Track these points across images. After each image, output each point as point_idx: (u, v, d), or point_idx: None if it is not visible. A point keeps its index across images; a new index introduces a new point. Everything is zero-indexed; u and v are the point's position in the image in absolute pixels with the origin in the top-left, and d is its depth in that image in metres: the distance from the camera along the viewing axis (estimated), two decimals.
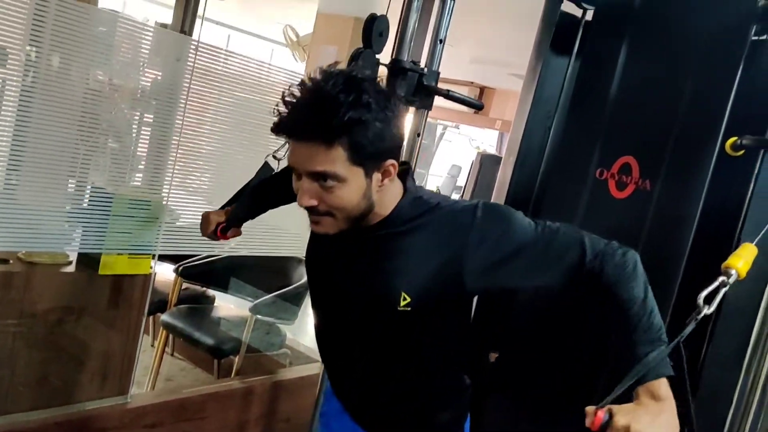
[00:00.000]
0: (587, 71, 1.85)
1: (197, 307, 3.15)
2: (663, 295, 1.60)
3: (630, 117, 1.73)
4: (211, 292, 3.30)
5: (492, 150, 10.39)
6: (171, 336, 3.09)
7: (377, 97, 1.04)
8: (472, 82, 9.00)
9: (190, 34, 2.26)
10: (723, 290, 0.96)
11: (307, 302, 3.04)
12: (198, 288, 3.27)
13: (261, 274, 2.99)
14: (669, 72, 1.67)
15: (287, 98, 1.05)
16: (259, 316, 2.81)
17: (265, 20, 7.54)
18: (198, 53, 2.12)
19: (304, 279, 2.93)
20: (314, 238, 1.30)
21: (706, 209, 1.54)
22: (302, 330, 3.21)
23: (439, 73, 1.78)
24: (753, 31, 1.58)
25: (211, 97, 2.34)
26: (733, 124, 1.49)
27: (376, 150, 1.06)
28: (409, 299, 1.13)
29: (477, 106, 2.03)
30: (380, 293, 1.17)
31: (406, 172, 1.20)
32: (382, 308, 1.17)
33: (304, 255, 1.35)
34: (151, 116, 2.20)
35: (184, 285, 3.16)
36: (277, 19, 6.93)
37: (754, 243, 1.48)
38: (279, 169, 1.69)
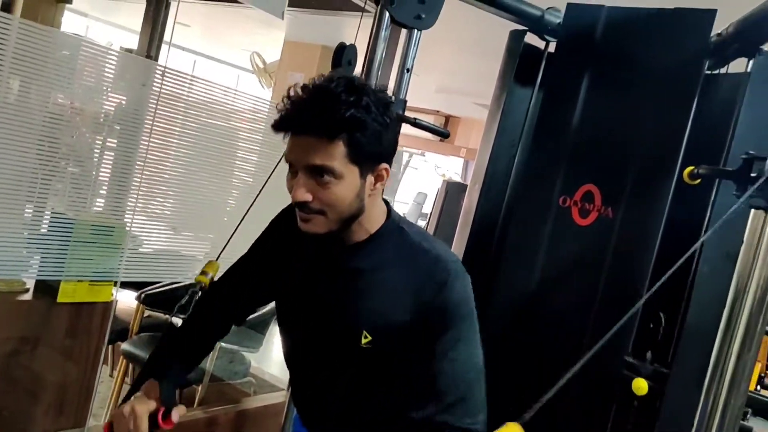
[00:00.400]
0: (550, 101, 1.90)
1: (159, 335, 3.07)
2: (620, 336, 1.63)
3: (592, 146, 1.77)
4: (174, 319, 3.22)
5: (457, 177, 10.50)
6: (131, 365, 3.01)
7: (377, 102, 1.08)
8: (438, 111, 9.12)
9: (156, 60, 2.25)
10: None
11: (272, 330, 3.01)
12: (161, 315, 3.20)
13: None
14: (628, 103, 1.72)
15: (291, 96, 1.08)
16: (223, 344, 2.76)
17: (232, 47, 7.54)
18: (164, 78, 2.11)
19: (270, 306, 2.90)
20: (288, 257, 1.29)
21: (666, 236, 1.58)
22: (267, 358, 3.16)
23: (406, 102, 1.80)
24: (706, 65, 1.64)
25: (176, 123, 2.32)
26: (690, 154, 1.54)
27: (373, 151, 1.09)
28: (370, 338, 1.14)
29: (443, 134, 2.06)
30: (344, 327, 1.17)
31: (386, 203, 1.23)
32: (344, 343, 1.18)
33: (276, 273, 1.33)
34: (115, 141, 2.18)
35: (147, 312, 3.09)
36: (243, 46, 6.95)
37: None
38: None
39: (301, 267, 1.25)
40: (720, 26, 1.60)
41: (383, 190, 1.19)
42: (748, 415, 4.77)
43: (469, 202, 2.06)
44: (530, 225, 1.85)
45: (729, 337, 1.26)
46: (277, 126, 1.08)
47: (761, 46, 1.51)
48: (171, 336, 1.36)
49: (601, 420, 1.68)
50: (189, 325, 1.38)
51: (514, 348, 1.80)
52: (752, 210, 1.23)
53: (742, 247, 1.28)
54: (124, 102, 2.17)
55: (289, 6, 2.46)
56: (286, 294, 1.31)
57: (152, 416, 1.19)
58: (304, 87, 1.08)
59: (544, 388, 1.75)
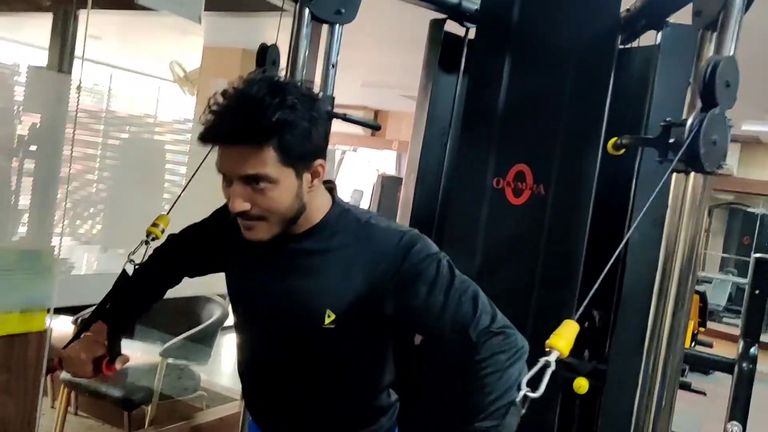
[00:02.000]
0: (475, 87, 1.93)
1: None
2: (566, 292, 1.69)
3: (519, 126, 1.81)
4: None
5: (392, 171, 10.56)
6: (74, 393, 2.89)
7: (302, 99, 1.06)
8: (365, 106, 9.14)
9: (69, 75, 2.16)
10: (548, 371, 0.94)
11: (220, 341, 2.95)
12: None
13: (168, 317, 2.86)
14: (550, 82, 1.77)
15: (213, 106, 1.05)
16: (170, 360, 2.69)
17: (150, 57, 7.32)
18: (80, 93, 2.03)
19: (215, 317, 2.84)
20: (236, 250, 1.26)
21: (597, 206, 1.64)
22: (217, 370, 3.10)
23: (334, 98, 1.80)
24: (619, 40, 1.71)
25: (97, 138, 2.25)
26: (612, 126, 1.60)
27: (305, 150, 1.08)
28: (333, 316, 1.14)
29: (374, 127, 2.07)
30: (305, 310, 1.16)
31: (331, 189, 1.22)
32: (306, 325, 1.17)
33: (225, 276, 1.32)
34: (33, 163, 2.08)
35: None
36: (162, 56, 6.76)
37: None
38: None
39: (253, 260, 1.24)
40: (629, 2, 1.66)
41: (335, 186, 1.21)
42: (686, 372, 5.01)
43: (406, 193, 2.08)
44: (467, 209, 1.88)
45: (663, 297, 1.32)
46: (204, 138, 1.06)
47: (667, 19, 1.58)
48: (124, 282, 1.35)
49: (546, 423, 1.73)
50: (142, 273, 1.38)
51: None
52: (674, 174, 1.29)
53: (668, 211, 1.34)
54: (38, 122, 2.08)
55: (205, 10, 2.40)
56: (241, 289, 1.30)
57: (97, 360, 1.24)
58: (225, 94, 1.05)
59: None
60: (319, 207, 1.17)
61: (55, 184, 2.05)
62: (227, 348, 4.18)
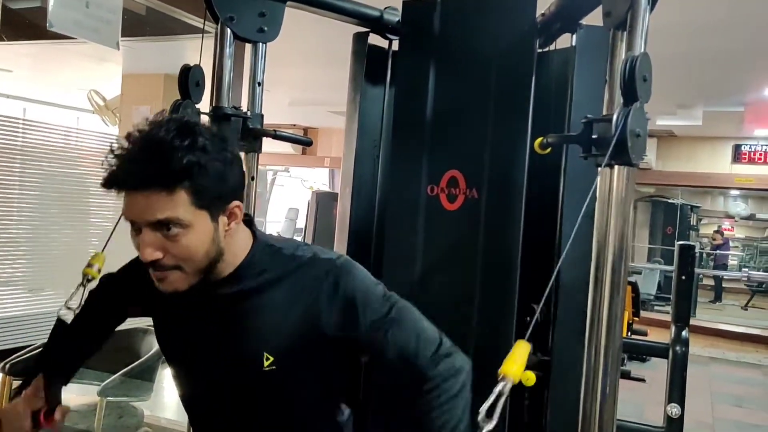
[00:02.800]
0: (402, 97, 1.95)
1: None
2: (506, 292, 1.72)
3: (448, 133, 1.85)
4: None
5: (326, 187, 10.55)
6: None
7: (213, 140, 1.02)
8: (294, 125, 9.11)
9: None
10: (502, 399, 0.95)
11: (162, 373, 2.85)
12: None
13: (104, 353, 2.74)
14: (474, 88, 1.82)
15: (116, 150, 0.98)
16: (109, 398, 2.58)
17: (66, 87, 7.08)
18: None
19: (154, 349, 2.75)
20: (162, 301, 1.20)
21: (528, 205, 1.68)
22: (161, 403, 3.00)
23: (262, 116, 1.78)
24: (537, 44, 1.77)
25: (14, 174, 2.15)
26: (537, 127, 1.65)
27: (220, 192, 1.02)
28: (272, 359, 1.10)
29: (306, 143, 2.06)
30: (241, 356, 1.12)
31: (249, 222, 1.17)
32: (245, 371, 1.13)
33: (154, 327, 1.27)
34: None
35: (16, 383, 2.82)
36: (79, 85, 6.55)
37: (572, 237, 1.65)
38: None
39: (179, 310, 1.17)
40: (544, 6, 1.72)
41: (253, 218, 1.17)
42: (625, 360, 5.19)
43: (343, 207, 2.08)
44: (404, 218, 1.90)
45: (599, 287, 1.36)
46: (108, 184, 0.99)
47: (581, 21, 1.65)
48: (61, 330, 1.27)
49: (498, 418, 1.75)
50: (80, 318, 1.29)
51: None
52: (599, 168, 1.35)
53: (596, 204, 1.40)
54: None
55: (123, 36, 2.35)
56: (171, 342, 1.23)
57: (36, 414, 1.19)
58: (130, 137, 0.99)
59: None
60: (240, 247, 1.11)
61: None
62: (170, 380, 4.01)
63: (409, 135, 1.92)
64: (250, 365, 1.11)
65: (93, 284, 1.37)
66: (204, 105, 1.73)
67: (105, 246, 1.41)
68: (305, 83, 6.30)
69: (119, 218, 1.54)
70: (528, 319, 1.73)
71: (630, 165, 1.23)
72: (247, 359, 1.11)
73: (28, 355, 2.69)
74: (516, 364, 0.98)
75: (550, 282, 1.17)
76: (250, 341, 1.11)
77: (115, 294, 1.34)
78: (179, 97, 1.63)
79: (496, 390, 0.96)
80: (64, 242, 2.29)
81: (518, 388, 1.68)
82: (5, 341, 2.05)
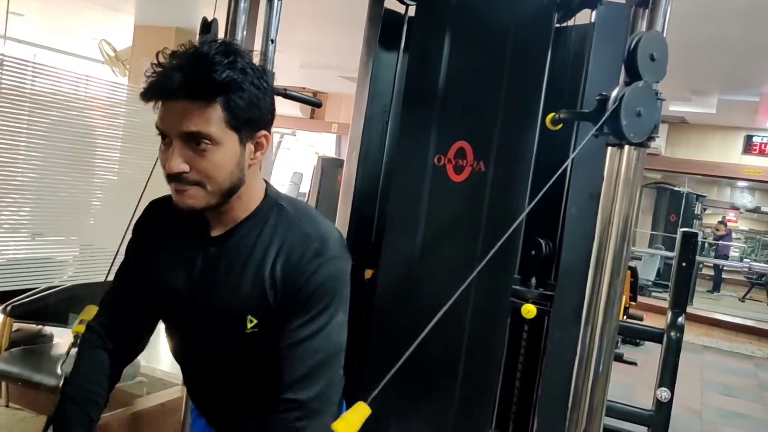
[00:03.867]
0: (415, 64, 1.93)
1: (33, 348, 2.85)
2: (507, 266, 1.72)
3: (459, 104, 1.83)
4: (48, 329, 3.01)
5: (331, 153, 10.51)
6: (4, 385, 2.78)
7: (252, 66, 1.04)
8: (304, 88, 9.04)
9: None
10: None
11: (159, 326, 2.88)
12: (33, 327, 2.97)
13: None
14: (488, 60, 1.80)
15: (161, 62, 1.00)
16: None
17: (77, 36, 7.01)
18: (2, 68, 1.92)
19: None
20: (163, 251, 1.21)
21: (535, 182, 1.67)
22: (156, 356, 3.03)
23: (273, 74, 1.77)
24: (555, 19, 1.75)
25: (22, 120, 2.14)
26: (550, 102, 1.64)
27: (252, 116, 1.04)
28: (255, 321, 1.11)
29: (315, 103, 2.05)
30: (227, 315, 1.13)
31: (266, 182, 1.18)
32: (230, 330, 1.13)
33: (151, 276, 1.24)
34: None
35: (16, 326, 2.85)
36: (90, 35, 6.49)
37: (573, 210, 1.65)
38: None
39: (176, 259, 1.18)
40: None
41: (263, 161, 1.15)
42: (619, 343, 5.22)
43: (348, 172, 2.07)
44: (409, 187, 1.89)
45: (600, 267, 1.36)
46: (148, 92, 1.00)
47: None
48: (65, 404, 1.20)
49: (496, 347, 1.77)
50: (81, 383, 1.22)
51: (403, 312, 1.85)
52: (608, 148, 1.34)
53: (603, 184, 1.39)
54: None
55: None
56: (165, 289, 1.22)
57: None
58: (174, 53, 1.01)
59: (433, 346, 1.83)
60: (256, 192, 1.13)
61: None
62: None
63: (419, 103, 1.91)
64: (234, 325, 1.12)
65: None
66: None
67: (100, 300, 1.33)
68: (318, 46, 6.23)
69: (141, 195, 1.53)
70: (533, 252, 1.72)
71: (635, 144, 1.22)
72: (231, 317, 1.12)
73: (30, 298, 2.72)
74: (348, 424, 0.99)
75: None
76: (235, 302, 1.12)
77: (121, 309, 1.28)
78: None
79: None
80: (68, 191, 2.30)
81: (518, 321, 1.71)
82: (8, 284, 2.07)
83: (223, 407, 1.28)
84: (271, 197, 1.16)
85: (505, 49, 1.76)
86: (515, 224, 1.20)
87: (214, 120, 1.00)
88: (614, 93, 1.17)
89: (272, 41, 1.76)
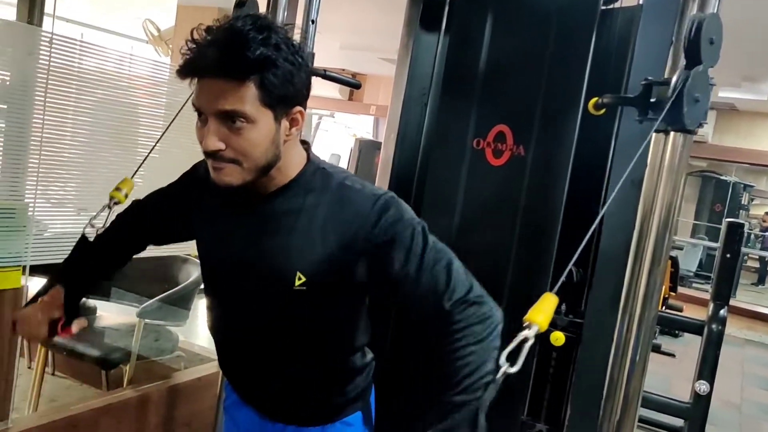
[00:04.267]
0: (456, 46, 1.91)
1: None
2: (543, 254, 1.70)
3: (500, 87, 1.81)
4: (91, 301, 3.10)
5: (369, 136, 10.51)
6: (51, 354, 2.88)
7: (287, 41, 1.04)
8: (343, 69, 9.03)
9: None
10: (527, 345, 0.95)
11: (198, 303, 2.94)
12: None
13: (145, 278, 2.85)
14: (531, 42, 1.76)
15: (195, 38, 1.01)
16: (147, 321, 2.68)
17: (122, 15, 7.13)
18: (52, 47, 1.97)
19: (192, 278, 2.83)
20: (207, 214, 1.24)
21: (575, 168, 1.64)
22: (195, 331, 3.11)
23: (313, 55, 1.77)
24: (602, 1, 1.70)
25: (69, 98, 2.19)
26: (593, 86, 1.60)
27: (286, 93, 1.04)
28: (303, 279, 1.12)
29: (354, 85, 2.04)
30: (275, 271, 1.14)
31: (306, 147, 1.19)
32: (276, 287, 1.15)
33: (196, 239, 1.29)
34: (2, 122, 2.02)
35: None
36: (134, 14, 6.59)
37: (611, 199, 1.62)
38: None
39: (223, 220, 1.21)
40: None
41: (300, 136, 1.16)
42: (656, 335, 5.14)
43: (386, 154, 2.07)
44: (446, 170, 1.88)
45: (640, 256, 1.34)
46: (183, 70, 1.02)
47: None
48: (84, 247, 1.30)
49: (524, 371, 1.76)
50: (103, 238, 1.33)
51: None
52: (653, 134, 1.30)
53: (646, 171, 1.36)
54: (8, 79, 2.01)
55: None
56: (211, 250, 1.26)
57: (53, 323, 1.21)
58: (209, 29, 1.02)
59: None
60: (294, 162, 1.14)
61: (26, 145, 2.00)
62: (204, 309, 4.17)
63: (459, 85, 1.89)
64: (282, 282, 1.13)
65: (121, 208, 1.42)
66: None
67: (135, 173, 1.44)
68: (358, 27, 6.21)
69: (152, 147, 1.56)
70: (565, 279, 1.71)
71: (685, 131, 1.18)
72: (279, 275, 1.13)
73: None
74: (542, 313, 0.97)
75: (583, 243, 1.14)
76: (285, 258, 1.13)
77: (154, 209, 1.38)
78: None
79: (521, 335, 0.96)
80: (111, 168, 2.35)
81: (546, 347, 1.70)
82: (55, 256, 2.14)
83: (261, 383, 1.29)
84: (314, 162, 1.17)
85: (548, 31, 1.73)
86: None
87: (248, 98, 1.00)
88: (675, 78, 1.13)
89: (313, 21, 1.76)
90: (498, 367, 0.99)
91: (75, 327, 1.22)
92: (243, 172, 1.06)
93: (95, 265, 1.35)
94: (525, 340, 0.95)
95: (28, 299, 1.28)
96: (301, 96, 1.08)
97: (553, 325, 1.67)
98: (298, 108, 1.09)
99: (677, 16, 1.25)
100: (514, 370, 0.97)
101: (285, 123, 1.07)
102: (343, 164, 9.82)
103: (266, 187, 1.13)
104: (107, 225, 1.36)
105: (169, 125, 1.70)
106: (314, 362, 1.25)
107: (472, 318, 1.07)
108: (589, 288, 1.68)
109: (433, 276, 1.10)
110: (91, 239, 1.35)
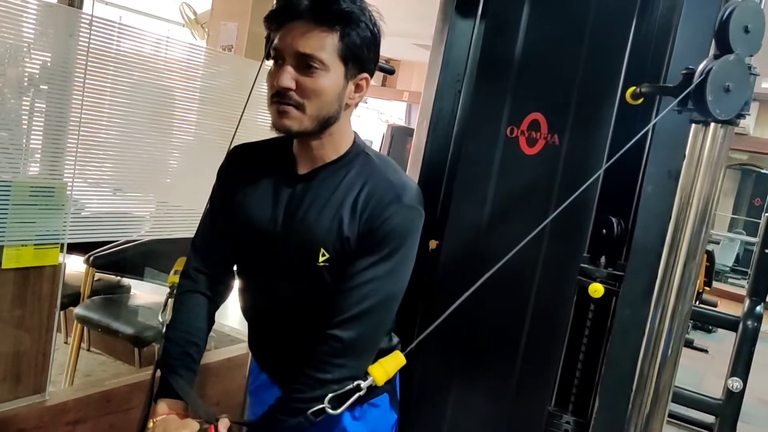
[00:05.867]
0: (492, 32, 1.89)
1: (113, 297, 3.02)
2: (576, 243, 1.68)
3: (535, 74, 1.78)
4: (125, 280, 3.17)
5: (401, 122, 10.48)
6: (86, 330, 2.96)
7: (371, 12, 1.14)
8: None
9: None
10: (355, 396, 1.04)
11: None
12: (112, 277, 3.14)
13: (176, 258, 2.89)
14: (568, 29, 1.73)
15: None
16: None
17: None
18: (92, 29, 2.00)
19: None
20: (248, 186, 1.27)
21: (611, 158, 1.61)
22: (225, 313, 3.15)
23: None
24: None
25: (107, 79, 2.22)
26: (631, 75, 1.57)
27: (362, 54, 1.12)
28: (327, 255, 1.17)
29: (388, 70, 2.03)
30: (303, 246, 1.19)
31: (354, 132, 1.26)
32: (304, 262, 1.19)
33: (234, 210, 1.30)
34: (44, 103, 2.07)
35: (97, 276, 3.02)
36: None
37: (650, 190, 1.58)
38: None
39: (262, 196, 1.25)
40: None
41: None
42: (690, 328, 5.05)
43: (418, 141, 2.06)
44: (479, 158, 1.86)
45: (675, 249, 1.31)
46: (275, 13, 1.09)
47: None
48: (168, 346, 1.27)
49: (561, 322, 1.74)
50: (180, 326, 1.30)
51: (466, 285, 1.83)
52: (692, 125, 1.27)
53: (684, 163, 1.33)
54: (49, 61, 2.05)
55: None
56: (248, 224, 1.29)
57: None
58: None
59: (496, 317, 1.81)
60: (344, 136, 1.20)
61: (66, 123, 2.04)
62: (236, 291, 4.24)
63: (494, 72, 1.86)
64: (308, 257, 1.18)
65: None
66: None
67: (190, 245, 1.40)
68: (393, 12, 6.18)
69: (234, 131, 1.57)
70: (604, 231, 1.68)
71: (723, 122, 1.15)
72: (307, 250, 1.18)
73: (111, 250, 2.87)
74: (383, 369, 1.05)
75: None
76: (312, 233, 1.18)
77: (211, 253, 1.35)
78: None
79: (355, 384, 1.05)
80: (146, 150, 2.39)
81: (584, 300, 1.68)
82: (91, 235, 2.19)
83: (290, 361, 1.29)
84: (359, 145, 1.23)
85: (586, 17, 1.69)
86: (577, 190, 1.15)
87: (328, 46, 1.08)
88: (700, 67, 1.11)
89: None
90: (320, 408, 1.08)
91: (223, 428, 1.15)
92: (304, 118, 1.12)
93: (188, 355, 1.29)
94: (357, 389, 1.04)
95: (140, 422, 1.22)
96: (370, 64, 1.16)
97: (592, 278, 1.66)
98: (365, 75, 1.16)
99: (721, 2, 1.21)
100: (334, 413, 1.06)
101: (351, 85, 1.14)
102: (375, 149, 9.83)
103: (312, 158, 1.19)
104: (179, 293, 1.34)
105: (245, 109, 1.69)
106: None
107: (326, 357, 1.14)
108: (630, 240, 1.64)
109: (361, 297, 1.15)
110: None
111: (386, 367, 1.04)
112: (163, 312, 1.29)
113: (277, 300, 1.28)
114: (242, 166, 1.29)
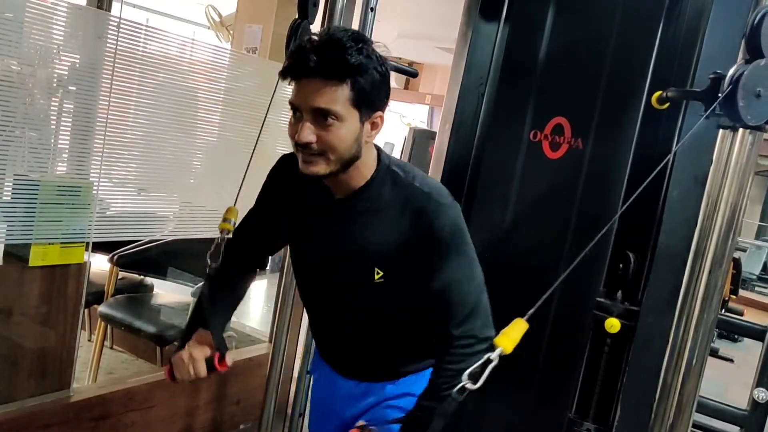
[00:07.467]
0: (516, 36, 1.88)
1: (136, 296, 3.05)
2: (599, 249, 1.67)
3: (559, 78, 1.77)
4: (149, 280, 3.20)
5: (423, 125, 10.46)
6: (109, 328, 2.99)
7: (376, 54, 1.18)
8: (400, 58, 9.01)
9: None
10: (490, 367, 1.04)
11: (250, 286, 3.00)
12: (135, 276, 3.17)
13: (198, 258, 2.92)
14: (594, 32, 1.72)
15: (301, 43, 1.16)
16: None
17: (185, 1, 7.29)
18: (120, 31, 2.02)
19: None
20: (297, 210, 1.37)
21: (635, 163, 1.60)
22: (246, 313, 3.17)
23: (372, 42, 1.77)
24: None
25: (133, 81, 2.25)
26: (657, 79, 1.55)
27: (373, 98, 1.18)
28: (381, 273, 1.26)
29: (412, 73, 2.03)
30: (357, 267, 1.28)
31: (378, 148, 1.32)
32: (360, 281, 1.29)
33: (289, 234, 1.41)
34: (72, 104, 2.10)
35: (121, 274, 3.05)
36: (197, 0, 6.71)
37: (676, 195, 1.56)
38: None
39: (311, 217, 1.35)
40: None
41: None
42: (715, 337, 4.97)
43: (440, 144, 2.06)
44: (502, 162, 1.86)
45: (701, 255, 1.29)
46: (287, 71, 1.16)
47: None
48: (211, 287, 1.40)
49: (576, 356, 1.73)
50: (223, 275, 1.43)
51: (489, 287, 1.83)
52: (720, 131, 1.25)
53: (711, 168, 1.31)
54: (77, 62, 2.08)
55: None
56: (299, 241, 1.41)
57: (208, 361, 1.30)
58: (310, 39, 1.17)
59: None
60: (369, 163, 1.27)
61: (92, 126, 2.07)
62: (257, 292, 4.17)
63: (518, 76, 1.85)
64: (364, 276, 1.28)
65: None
66: (315, 27, 1.73)
67: (236, 199, 1.50)
68: (416, 15, 6.17)
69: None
70: (621, 266, 1.68)
71: (752, 128, 1.13)
72: (361, 271, 1.28)
73: (134, 250, 2.90)
74: (508, 338, 1.05)
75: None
76: (365, 254, 1.27)
77: (257, 222, 1.49)
78: (295, 17, 1.64)
79: (485, 356, 1.06)
80: (171, 151, 2.41)
81: (600, 334, 1.67)
82: (115, 234, 2.21)
83: (347, 355, 1.45)
84: (384, 162, 1.30)
85: (611, 21, 1.68)
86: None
87: (341, 98, 1.14)
88: (731, 71, 1.09)
89: (372, 9, 1.76)
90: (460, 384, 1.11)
91: (229, 359, 1.31)
92: (329, 164, 1.19)
93: (226, 299, 1.46)
94: (489, 362, 1.05)
95: (175, 349, 1.35)
96: (383, 102, 1.22)
97: (609, 312, 1.65)
98: (379, 113, 1.22)
99: (751, 6, 1.19)
100: (474, 387, 1.07)
101: (367, 125, 1.21)
102: (396, 153, 9.81)
103: (346, 188, 1.27)
104: (222, 256, 1.41)
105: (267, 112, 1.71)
106: (397, 338, 1.40)
107: (467, 351, 1.21)
108: (647, 276, 1.63)
109: (463, 298, 1.24)
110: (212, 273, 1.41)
111: (511, 336, 1.06)
112: (210, 254, 1.38)
113: (333, 309, 1.40)
114: (290, 177, 1.36)
